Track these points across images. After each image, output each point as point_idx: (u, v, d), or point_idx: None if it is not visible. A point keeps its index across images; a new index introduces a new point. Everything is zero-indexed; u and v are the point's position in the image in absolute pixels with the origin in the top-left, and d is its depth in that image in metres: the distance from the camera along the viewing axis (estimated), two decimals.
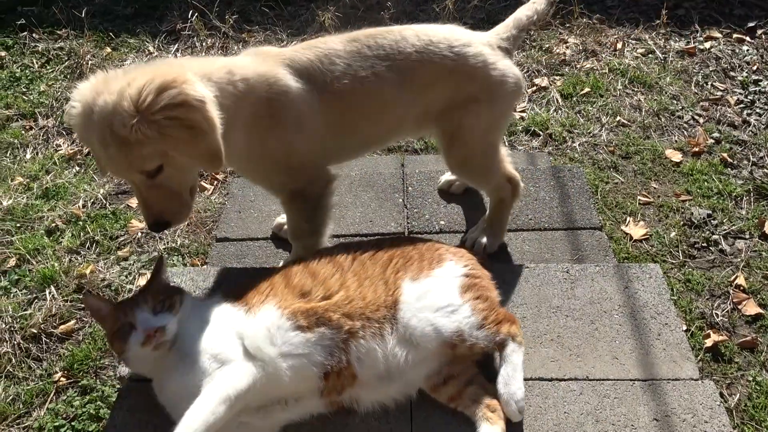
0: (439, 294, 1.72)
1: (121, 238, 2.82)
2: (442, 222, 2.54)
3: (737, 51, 4.01)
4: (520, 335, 1.74)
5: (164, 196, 1.74)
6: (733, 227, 2.70)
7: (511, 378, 1.66)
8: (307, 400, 1.64)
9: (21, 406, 2.13)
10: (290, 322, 1.62)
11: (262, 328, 1.61)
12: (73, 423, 2.03)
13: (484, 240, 2.32)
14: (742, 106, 3.53)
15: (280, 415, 1.63)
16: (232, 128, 1.76)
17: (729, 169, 3.06)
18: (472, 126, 2.01)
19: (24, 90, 4.05)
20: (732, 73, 3.81)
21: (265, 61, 1.87)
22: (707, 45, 4.07)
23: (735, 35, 4.15)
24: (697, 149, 3.18)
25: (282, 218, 2.50)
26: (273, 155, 1.91)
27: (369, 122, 2.01)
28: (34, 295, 2.54)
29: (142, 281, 2.53)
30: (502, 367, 1.68)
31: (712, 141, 3.25)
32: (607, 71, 3.86)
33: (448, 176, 2.67)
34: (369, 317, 1.66)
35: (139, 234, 2.82)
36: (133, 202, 3.07)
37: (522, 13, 2.13)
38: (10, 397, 2.16)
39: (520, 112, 3.59)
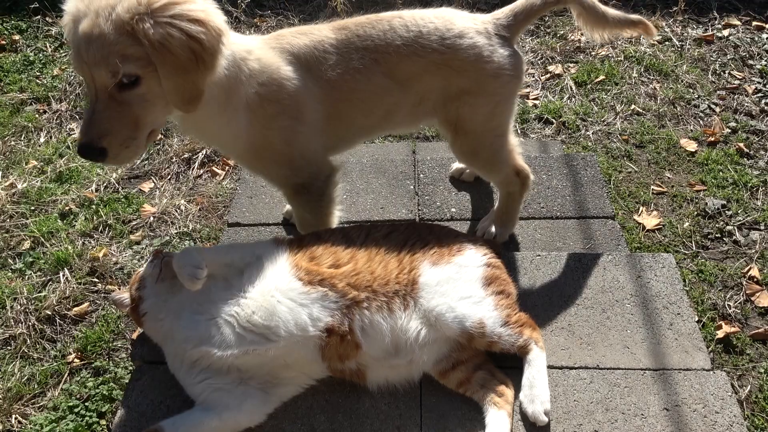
0: (462, 283, 1.73)
1: (134, 222, 2.84)
2: (453, 209, 2.54)
3: (756, 39, 3.93)
4: (542, 341, 1.75)
5: (119, 118, 1.50)
6: (748, 218, 2.67)
7: (536, 380, 1.67)
8: (310, 362, 1.66)
9: (36, 386, 2.17)
10: (293, 270, 1.69)
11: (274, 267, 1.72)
12: (86, 403, 2.06)
13: (495, 230, 2.31)
14: (760, 95, 3.47)
15: (283, 374, 1.66)
16: (234, 107, 1.75)
17: (745, 159, 3.02)
18: (470, 117, 1.98)
19: (37, 74, 4.06)
20: (750, 62, 3.75)
21: (272, 47, 1.85)
22: (726, 32, 4.00)
23: (755, 23, 4.07)
24: (712, 139, 3.14)
25: None
26: (274, 145, 1.88)
27: (362, 113, 1.97)
28: (49, 278, 2.57)
29: None
30: (527, 370, 1.69)
31: (729, 130, 3.20)
32: (622, 59, 3.80)
33: (459, 164, 2.65)
34: (375, 290, 1.67)
35: (152, 218, 2.84)
36: (146, 186, 3.09)
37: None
38: (26, 377, 2.19)
39: (533, 99, 3.56)
